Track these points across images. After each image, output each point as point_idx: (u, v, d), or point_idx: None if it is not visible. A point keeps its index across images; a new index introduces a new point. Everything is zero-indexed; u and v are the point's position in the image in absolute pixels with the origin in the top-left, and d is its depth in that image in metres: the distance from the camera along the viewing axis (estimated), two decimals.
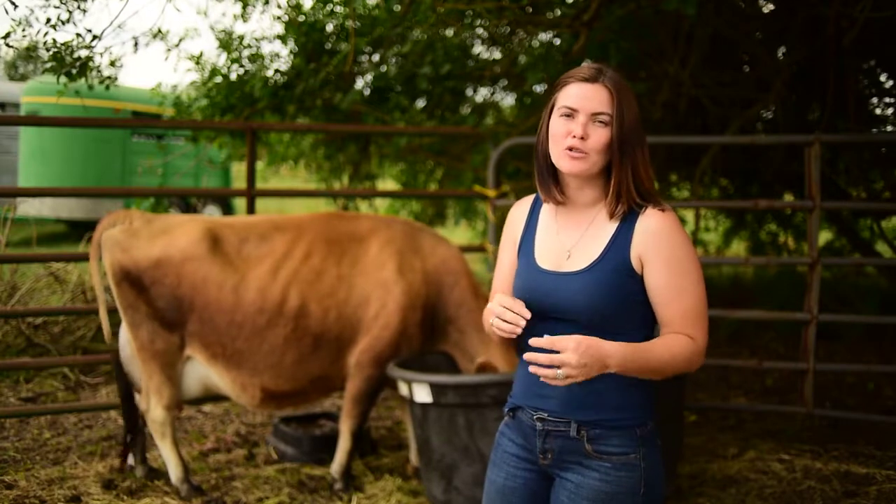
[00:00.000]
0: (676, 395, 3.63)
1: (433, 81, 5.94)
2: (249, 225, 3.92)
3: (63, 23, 4.11)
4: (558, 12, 5.58)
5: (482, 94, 7.40)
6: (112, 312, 3.93)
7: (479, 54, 6.88)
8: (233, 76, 6.06)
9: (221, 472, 4.08)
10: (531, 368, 1.77)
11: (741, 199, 7.66)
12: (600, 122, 1.88)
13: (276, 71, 6.03)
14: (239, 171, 12.35)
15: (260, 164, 8.05)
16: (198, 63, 6.29)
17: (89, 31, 4.25)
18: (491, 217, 5.09)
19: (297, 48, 6.03)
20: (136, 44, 5.08)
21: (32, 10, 4.05)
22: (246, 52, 6.18)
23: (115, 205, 10.81)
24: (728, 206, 8.38)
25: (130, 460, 3.99)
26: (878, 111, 6.75)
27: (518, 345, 2.00)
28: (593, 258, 1.91)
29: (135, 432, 3.93)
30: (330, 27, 6.08)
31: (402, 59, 6.07)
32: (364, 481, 3.97)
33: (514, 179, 6.51)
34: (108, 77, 4.68)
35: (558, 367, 1.73)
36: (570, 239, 1.97)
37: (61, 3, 4.07)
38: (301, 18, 6.02)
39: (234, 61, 6.12)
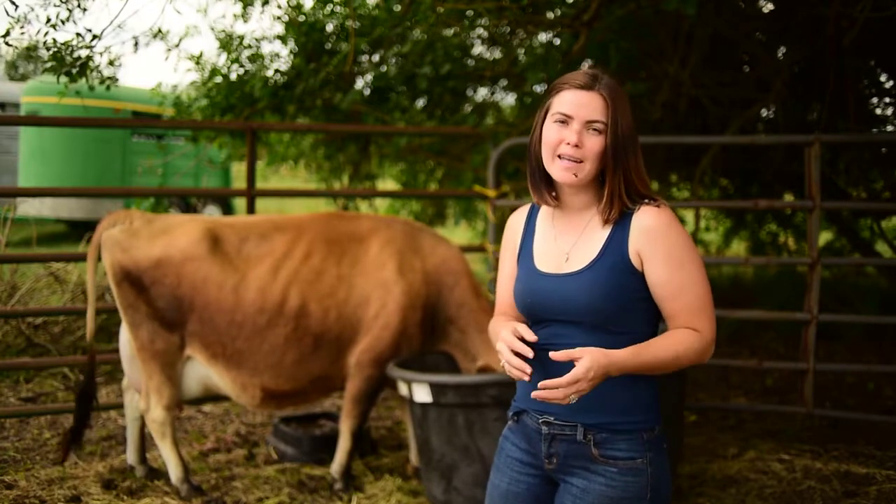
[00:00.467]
0: (676, 395, 3.63)
1: (433, 81, 5.94)
2: (250, 225, 3.92)
3: (63, 22, 4.11)
4: (558, 12, 5.58)
5: (482, 94, 7.40)
6: (112, 312, 3.93)
7: (479, 54, 6.88)
8: (233, 76, 6.06)
9: (221, 472, 4.08)
10: (540, 395, 1.79)
11: (741, 199, 7.65)
12: (594, 129, 1.88)
13: (276, 71, 6.03)
14: (239, 171, 12.35)
15: (260, 164, 8.06)
16: (198, 63, 6.30)
17: (89, 30, 4.24)
18: (491, 217, 5.09)
19: (297, 48, 6.03)
20: (136, 44, 5.08)
21: (32, 9, 4.04)
22: (246, 52, 6.19)
23: (115, 205, 10.81)
24: (728, 206, 8.38)
25: (131, 459, 3.99)
26: (878, 111, 6.75)
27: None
28: (591, 258, 1.91)
29: (83, 428, 3.85)
30: (330, 27, 6.08)
31: (402, 59, 6.07)
32: (364, 481, 3.97)
33: (514, 179, 6.51)
34: (109, 77, 4.68)
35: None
36: (568, 242, 1.97)
37: (61, 2, 4.07)
38: (301, 18, 6.02)
39: (234, 61, 6.12)
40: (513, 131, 5.51)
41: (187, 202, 13.04)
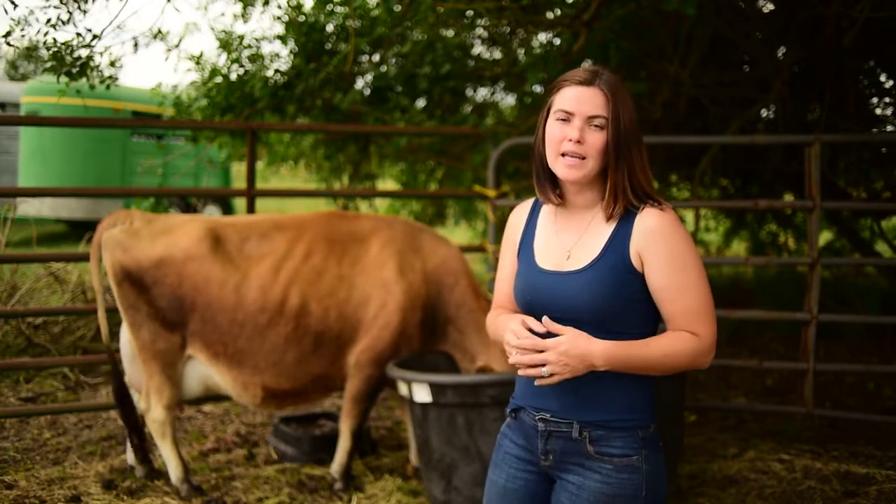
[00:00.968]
0: (676, 395, 3.63)
1: (433, 81, 5.94)
2: (250, 224, 3.92)
3: (63, 23, 4.11)
4: (558, 12, 5.58)
5: (482, 94, 7.40)
6: (112, 312, 3.93)
7: (479, 54, 6.89)
8: (233, 76, 6.07)
9: (221, 472, 4.08)
10: (519, 371, 1.85)
11: (741, 199, 7.66)
12: (596, 125, 1.88)
13: (276, 71, 6.04)
14: (239, 171, 12.36)
15: (260, 164, 8.07)
16: (198, 63, 6.30)
17: (89, 30, 4.25)
18: (491, 217, 5.09)
19: (297, 48, 6.04)
20: (136, 44, 5.08)
21: (32, 11, 4.04)
22: (246, 52, 6.19)
23: (115, 205, 10.81)
24: (728, 206, 8.38)
25: (130, 459, 3.99)
26: (878, 111, 6.75)
27: None
28: (593, 257, 1.91)
29: (138, 431, 3.91)
30: (330, 27, 6.08)
31: (402, 59, 6.07)
32: (364, 481, 3.97)
33: (514, 179, 6.52)
34: (109, 77, 4.68)
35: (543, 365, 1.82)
36: (570, 239, 1.97)
37: (61, 3, 4.07)
38: (301, 18, 6.02)
39: (234, 61, 6.12)
40: (513, 131, 5.51)
41: (187, 202, 13.05)
